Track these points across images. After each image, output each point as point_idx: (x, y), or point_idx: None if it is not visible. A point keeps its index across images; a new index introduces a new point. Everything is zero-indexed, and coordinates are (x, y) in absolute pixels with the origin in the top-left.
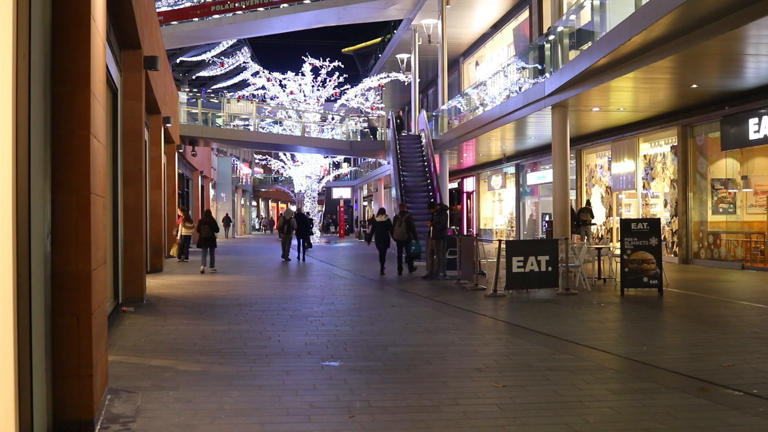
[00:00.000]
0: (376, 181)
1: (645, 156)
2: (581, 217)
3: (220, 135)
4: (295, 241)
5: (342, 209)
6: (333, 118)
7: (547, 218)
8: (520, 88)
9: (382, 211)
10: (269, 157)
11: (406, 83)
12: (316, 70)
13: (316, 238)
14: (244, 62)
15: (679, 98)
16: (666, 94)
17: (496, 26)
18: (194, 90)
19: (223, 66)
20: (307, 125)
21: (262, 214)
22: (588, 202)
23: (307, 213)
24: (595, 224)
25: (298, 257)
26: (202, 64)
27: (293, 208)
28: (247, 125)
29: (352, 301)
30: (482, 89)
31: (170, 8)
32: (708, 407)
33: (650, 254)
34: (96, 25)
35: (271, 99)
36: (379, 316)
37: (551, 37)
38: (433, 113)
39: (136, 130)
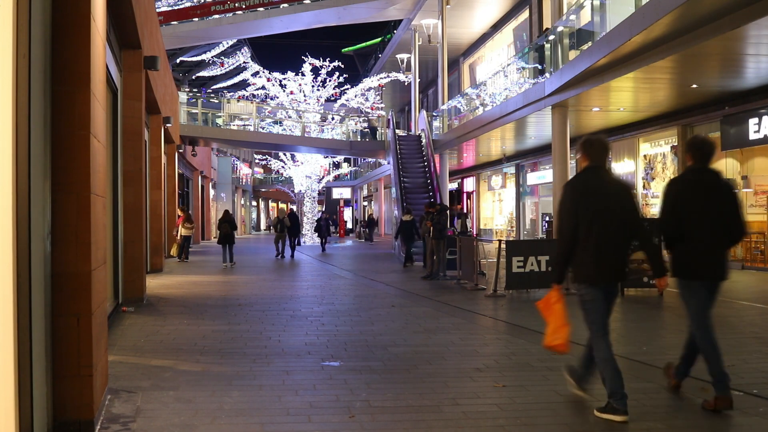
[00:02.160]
0: (376, 181)
1: (645, 156)
2: None
3: (220, 135)
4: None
5: (342, 209)
6: (333, 118)
7: (547, 218)
8: (520, 88)
9: (408, 211)
10: (269, 157)
11: (406, 83)
12: (316, 70)
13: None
14: (244, 62)
15: (679, 98)
16: (666, 94)
17: (496, 26)
18: (194, 90)
19: (223, 66)
20: (307, 125)
21: (271, 214)
22: None
23: (323, 213)
24: None
25: (292, 255)
26: (202, 64)
27: (283, 207)
28: (247, 125)
29: (352, 301)
30: (482, 89)
31: (170, 8)
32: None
33: None
34: (96, 25)
35: (271, 99)
36: (379, 316)
37: (551, 37)
38: (433, 113)
39: (136, 130)
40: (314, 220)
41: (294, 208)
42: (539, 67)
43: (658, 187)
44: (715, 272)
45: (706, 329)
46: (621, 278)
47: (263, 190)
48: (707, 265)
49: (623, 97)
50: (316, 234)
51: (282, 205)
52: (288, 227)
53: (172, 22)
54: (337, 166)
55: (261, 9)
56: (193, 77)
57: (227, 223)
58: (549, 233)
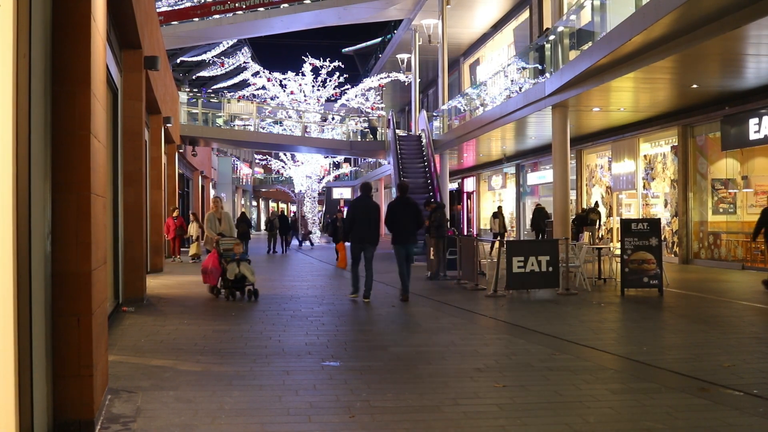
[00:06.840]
0: (377, 181)
1: (645, 156)
2: (590, 217)
3: (220, 135)
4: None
5: (342, 209)
6: (333, 118)
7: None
8: (520, 88)
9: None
10: (269, 157)
11: (406, 83)
12: (316, 70)
13: (316, 238)
14: (245, 62)
15: (679, 98)
16: (666, 94)
17: (497, 26)
18: (194, 90)
19: (223, 66)
20: (308, 125)
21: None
22: (597, 203)
23: (336, 217)
24: (595, 221)
25: (282, 251)
26: (202, 64)
27: (275, 210)
28: (248, 125)
29: (353, 301)
30: (483, 89)
31: (170, 8)
32: (708, 407)
33: (650, 254)
34: (96, 25)
35: (272, 99)
36: (379, 316)
37: (551, 37)
38: (434, 113)
39: (136, 130)
40: (314, 219)
41: (285, 208)
42: (539, 67)
43: (659, 187)
44: (406, 240)
45: (402, 267)
46: (369, 243)
47: (263, 190)
48: (402, 238)
49: (623, 97)
50: (331, 238)
51: (278, 205)
52: (278, 227)
53: (172, 22)
54: (337, 166)
55: (261, 9)
56: (194, 77)
57: (244, 222)
58: (549, 233)
